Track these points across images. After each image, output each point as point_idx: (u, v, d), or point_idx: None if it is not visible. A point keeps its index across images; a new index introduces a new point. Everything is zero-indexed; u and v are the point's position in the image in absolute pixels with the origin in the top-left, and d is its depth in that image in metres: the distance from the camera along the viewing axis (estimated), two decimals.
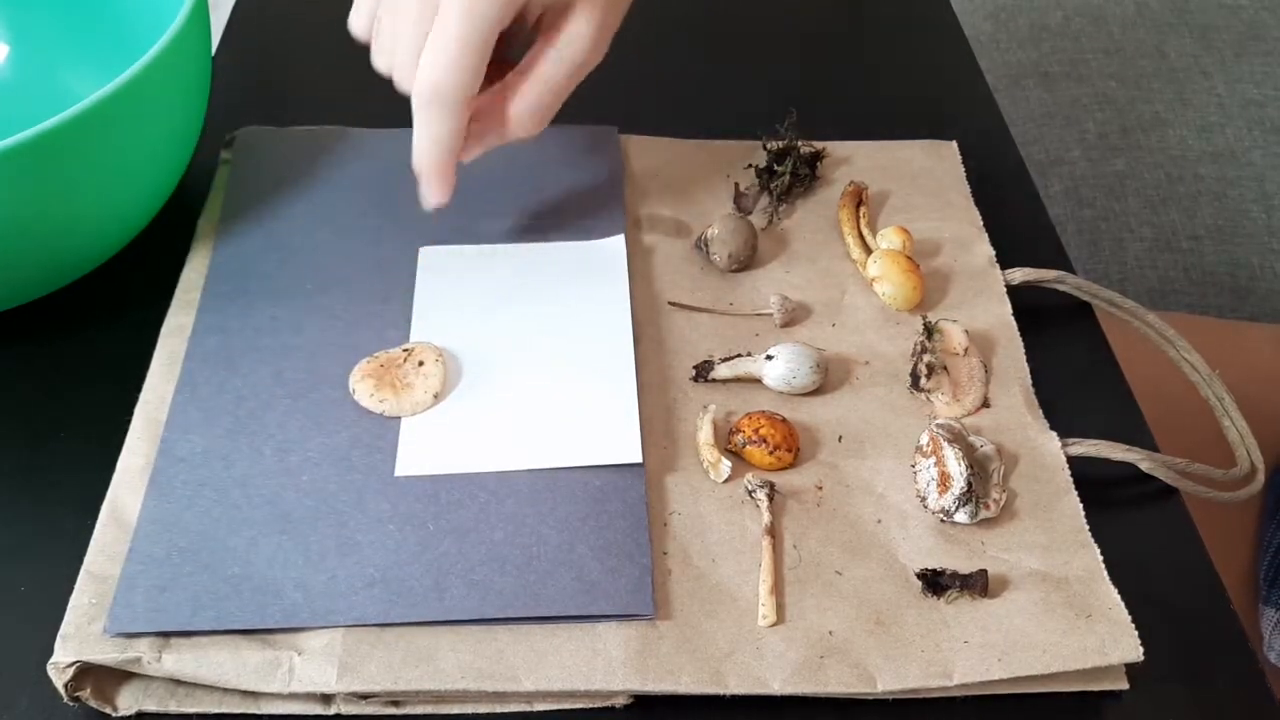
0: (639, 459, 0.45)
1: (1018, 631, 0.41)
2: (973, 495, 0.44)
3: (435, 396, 0.47)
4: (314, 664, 0.39)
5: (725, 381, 0.50)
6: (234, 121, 0.60)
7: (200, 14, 0.50)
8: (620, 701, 0.40)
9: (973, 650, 0.41)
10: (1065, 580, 0.43)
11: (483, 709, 0.40)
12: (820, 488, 0.46)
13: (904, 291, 0.53)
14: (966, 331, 0.51)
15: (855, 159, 0.61)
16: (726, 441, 0.47)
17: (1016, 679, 0.40)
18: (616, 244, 0.54)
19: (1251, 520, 0.72)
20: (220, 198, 0.56)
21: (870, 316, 0.53)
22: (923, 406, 0.49)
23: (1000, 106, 0.68)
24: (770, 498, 0.45)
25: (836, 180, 0.60)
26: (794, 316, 0.53)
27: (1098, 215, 1.04)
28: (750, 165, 0.59)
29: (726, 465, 0.46)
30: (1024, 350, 0.52)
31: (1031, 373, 0.51)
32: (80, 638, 0.39)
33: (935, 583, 0.42)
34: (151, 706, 0.39)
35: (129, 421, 0.46)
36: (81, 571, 0.41)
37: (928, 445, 0.46)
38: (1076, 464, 0.47)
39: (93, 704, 0.39)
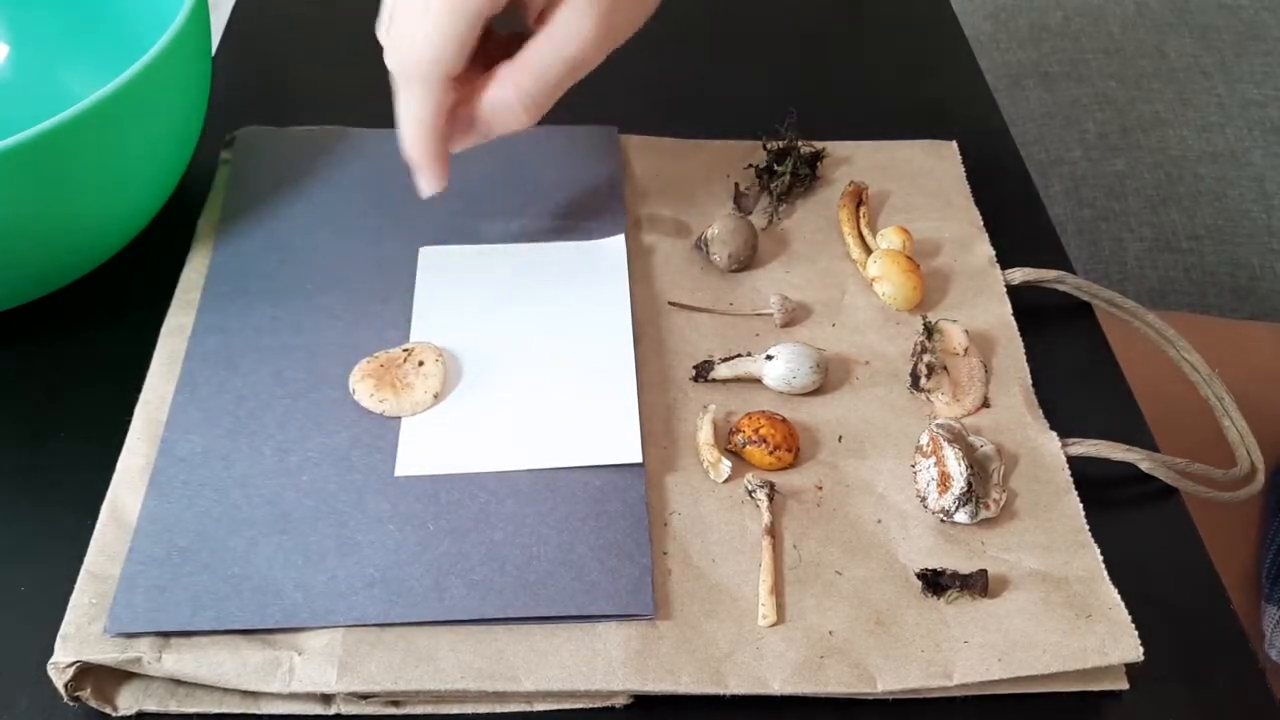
0: (639, 459, 0.45)
1: (1018, 631, 0.41)
2: (973, 495, 0.44)
3: (435, 396, 0.47)
4: (314, 664, 0.39)
5: (725, 381, 0.50)
6: (234, 121, 0.60)
7: (200, 14, 0.50)
8: (620, 701, 0.40)
9: (973, 650, 0.41)
10: (1065, 580, 0.43)
11: (483, 709, 0.40)
12: (820, 488, 0.46)
13: (904, 291, 0.53)
14: (966, 331, 0.51)
15: (855, 159, 0.61)
16: (726, 441, 0.47)
17: (1016, 679, 0.40)
18: (617, 244, 0.54)
19: (1252, 520, 0.72)
20: (220, 198, 0.56)
21: (870, 316, 0.53)
22: (923, 406, 0.49)
23: (1000, 106, 0.68)
24: (770, 498, 0.45)
25: (836, 180, 0.60)
26: (794, 316, 0.53)
27: (1098, 215, 1.04)
28: (750, 165, 0.59)
29: (726, 465, 0.46)
30: (1024, 350, 0.52)
31: (1031, 373, 0.51)
32: (80, 638, 0.39)
33: (935, 583, 0.42)
34: (151, 706, 0.39)
35: (129, 421, 0.46)
36: (81, 571, 0.41)
37: (928, 445, 0.46)
38: (1076, 464, 0.47)
39: (93, 704, 0.39)
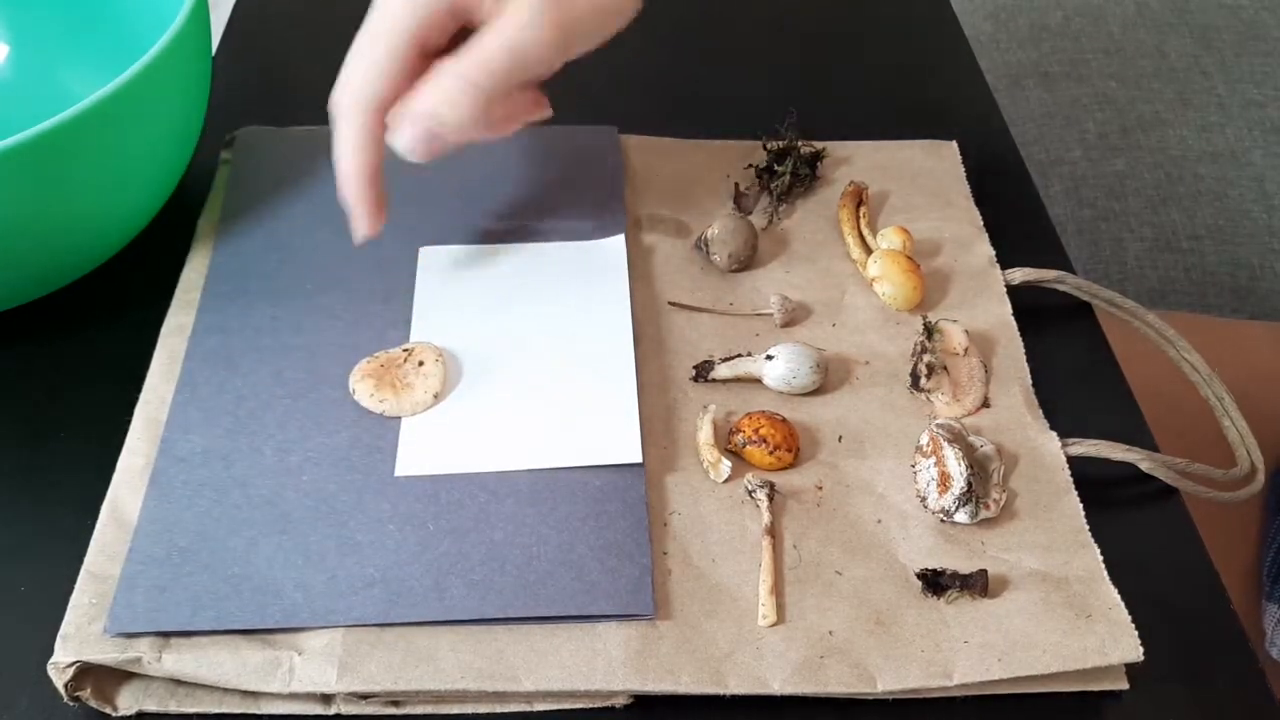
0: (639, 459, 0.45)
1: (1018, 631, 0.41)
2: (973, 495, 0.44)
3: (435, 396, 0.47)
4: (314, 664, 0.39)
5: (725, 381, 0.50)
6: (234, 121, 0.60)
7: (200, 14, 0.50)
8: (620, 701, 0.40)
9: (973, 650, 0.41)
10: (1065, 580, 0.43)
11: (483, 709, 0.40)
12: (820, 488, 0.46)
13: (904, 291, 0.53)
14: (966, 331, 0.51)
15: (855, 159, 0.61)
16: (726, 441, 0.47)
17: (1016, 679, 0.40)
18: (617, 244, 0.54)
19: (1252, 520, 0.72)
20: (220, 198, 0.56)
21: (870, 316, 0.53)
22: (923, 406, 0.49)
23: (1000, 106, 0.68)
24: (770, 498, 0.45)
25: (836, 180, 0.60)
26: (794, 316, 0.53)
27: (1098, 215, 1.04)
28: (750, 165, 0.59)
29: (726, 465, 0.46)
30: (1024, 350, 0.52)
31: (1031, 373, 0.51)
32: (80, 638, 0.39)
33: (935, 583, 0.42)
34: (151, 706, 0.39)
35: (129, 421, 0.46)
36: (81, 571, 0.41)
37: (928, 445, 0.46)
38: (1076, 464, 0.47)
39: (93, 704, 0.39)
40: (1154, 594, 0.44)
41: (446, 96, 0.43)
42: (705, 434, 0.47)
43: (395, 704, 0.40)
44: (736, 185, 0.58)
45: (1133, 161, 1.06)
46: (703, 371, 0.49)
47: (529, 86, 0.47)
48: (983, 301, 0.54)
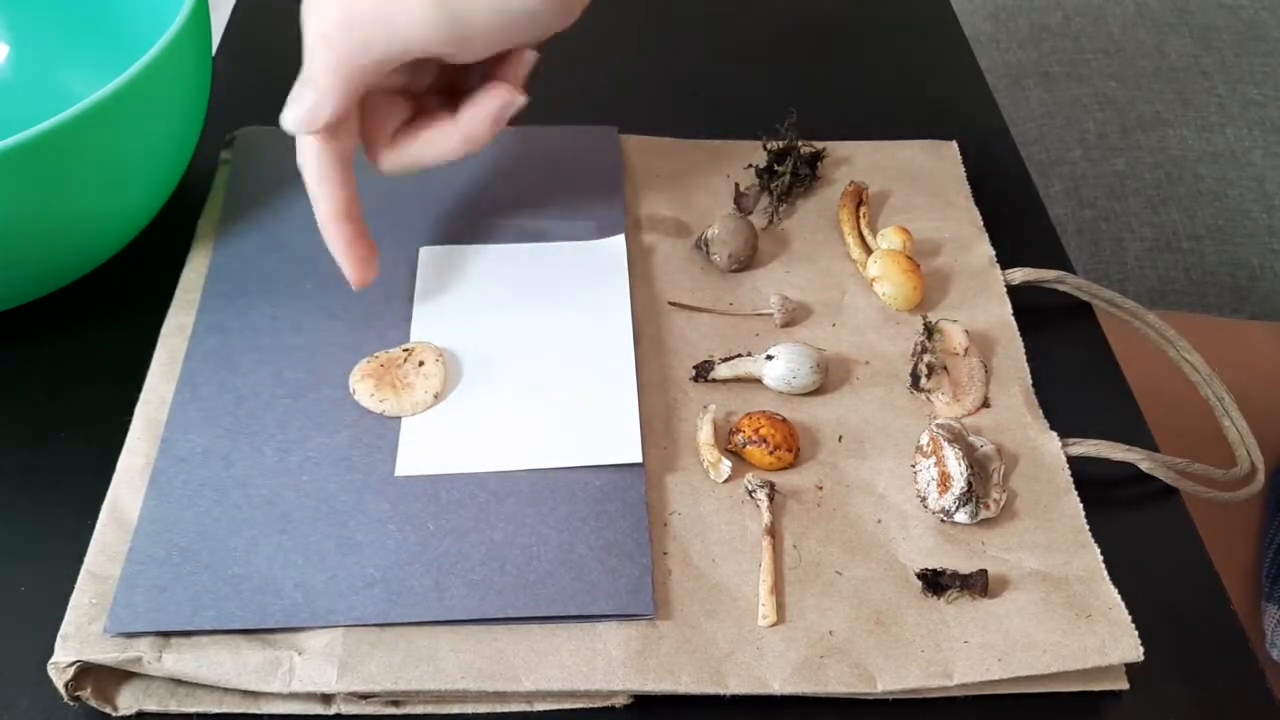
0: (639, 459, 0.45)
1: (1018, 631, 0.41)
2: (973, 495, 0.44)
3: (435, 396, 0.47)
4: (314, 664, 0.39)
5: (725, 381, 0.50)
6: (234, 121, 0.60)
7: (200, 14, 0.50)
8: (620, 701, 0.40)
9: (973, 650, 0.41)
10: (1065, 580, 0.43)
11: (483, 709, 0.40)
12: (820, 488, 0.46)
13: (904, 291, 0.53)
14: (966, 331, 0.51)
15: (855, 159, 0.61)
16: (727, 441, 0.47)
17: (1016, 679, 0.40)
18: (617, 244, 0.54)
19: (1252, 520, 0.72)
20: (220, 198, 0.56)
21: (870, 316, 0.53)
22: (923, 406, 0.49)
23: (1000, 106, 0.68)
24: (770, 498, 0.45)
25: (836, 180, 0.60)
26: (794, 316, 0.53)
27: (1098, 215, 1.04)
28: (750, 165, 0.59)
29: (726, 465, 0.46)
30: (1024, 350, 0.52)
31: (1031, 373, 0.51)
32: (80, 637, 0.39)
33: (935, 583, 0.42)
34: (152, 706, 0.39)
35: (129, 421, 0.46)
36: (82, 571, 0.41)
37: (928, 445, 0.46)
38: (1076, 464, 0.47)
39: (93, 704, 0.39)
40: (1154, 594, 0.44)
41: (306, 80, 0.44)
42: (705, 434, 0.47)
43: (395, 704, 0.40)
44: (736, 185, 0.58)
45: (1133, 161, 1.06)
46: (703, 371, 0.49)
47: (495, 78, 0.47)
48: (983, 301, 0.54)
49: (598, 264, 0.53)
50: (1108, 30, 1.18)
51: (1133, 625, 0.41)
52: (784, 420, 0.47)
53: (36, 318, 0.52)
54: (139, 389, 0.48)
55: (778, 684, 0.40)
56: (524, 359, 0.49)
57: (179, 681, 0.40)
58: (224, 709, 0.40)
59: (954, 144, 0.62)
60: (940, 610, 0.42)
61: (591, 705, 0.40)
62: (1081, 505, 0.46)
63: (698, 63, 0.70)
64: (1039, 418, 0.49)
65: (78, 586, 0.41)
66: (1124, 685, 0.41)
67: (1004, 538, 0.44)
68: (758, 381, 0.49)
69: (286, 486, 0.44)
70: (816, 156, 0.59)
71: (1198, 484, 0.48)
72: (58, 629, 0.39)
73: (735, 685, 0.40)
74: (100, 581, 0.41)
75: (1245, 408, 0.52)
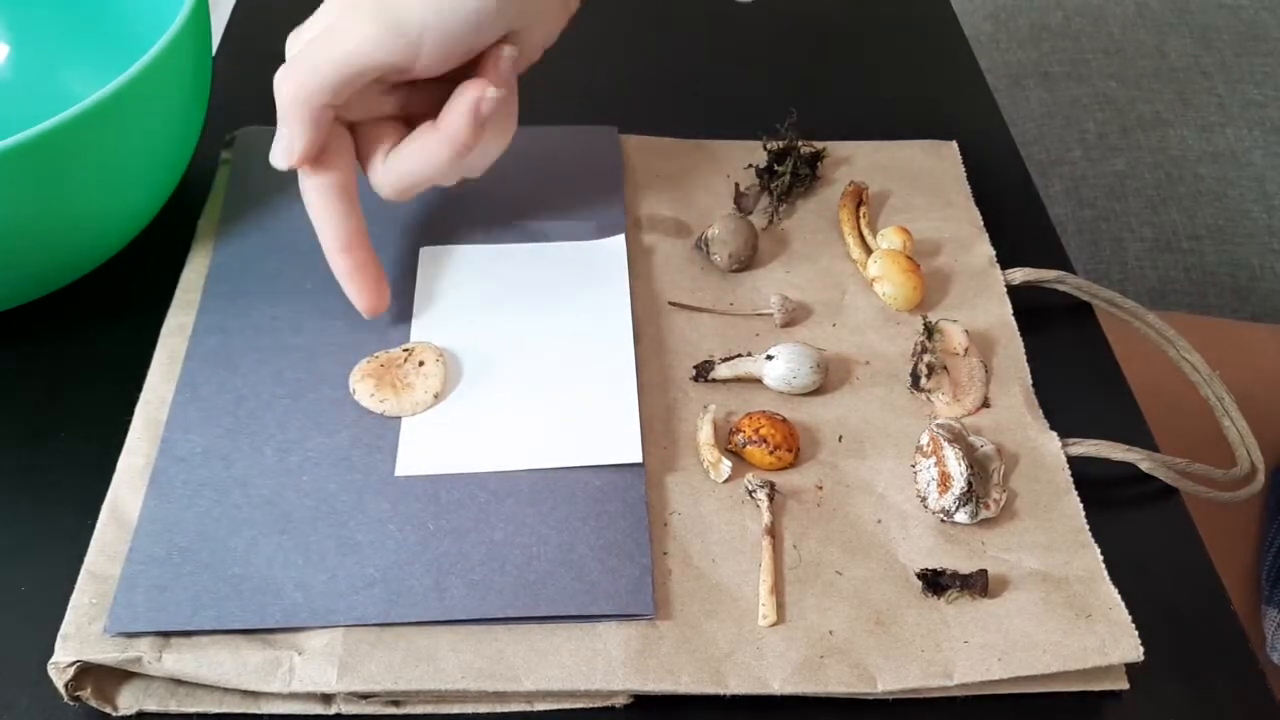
0: (639, 459, 0.45)
1: (1018, 631, 0.41)
2: (973, 495, 0.44)
3: (435, 396, 0.47)
4: (314, 664, 0.39)
5: (725, 381, 0.50)
6: (234, 121, 0.60)
7: (200, 14, 0.50)
8: (620, 701, 0.40)
9: (973, 650, 0.41)
10: (1065, 580, 0.43)
11: (483, 709, 0.40)
12: (820, 488, 0.46)
13: (904, 291, 0.53)
14: (967, 331, 0.51)
15: (855, 159, 0.61)
16: (727, 441, 0.47)
17: (1016, 679, 0.40)
18: (617, 244, 0.54)
19: (1252, 520, 0.72)
20: (220, 198, 0.56)
21: (870, 316, 0.53)
22: (923, 406, 0.49)
23: (1000, 106, 0.68)
24: (770, 498, 0.45)
25: (836, 180, 0.60)
26: (794, 316, 0.53)
27: (1098, 215, 1.04)
28: (750, 165, 0.59)
29: (727, 465, 0.46)
30: (1024, 350, 0.52)
31: (1031, 373, 0.51)
32: (81, 637, 0.39)
33: (935, 583, 0.42)
34: (152, 706, 0.39)
35: (129, 421, 0.46)
36: (82, 571, 0.41)
37: (928, 445, 0.46)
38: (1076, 464, 0.47)
39: (93, 704, 0.39)
40: (1154, 594, 0.44)
41: (280, 115, 0.45)
42: (705, 434, 0.47)
43: (395, 704, 0.40)
44: (736, 185, 0.58)
45: (1133, 161, 1.06)
46: (703, 371, 0.49)
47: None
48: (983, 301, 0.54)
49: (598, 264, 0.53)
50: (1108, 30, 1.18)
51: (1133, 625, 0.41)
52: (784, 420, 0.47)
53: (36, 318, 0.52)
54: (139, 389, 0.48)
55: (778, 684, 0.40)
56: (524, 359, 0.49)
57: (179, 681, 0.40)
58: (224, 709, 0.40)
59: (954, 144, 0.62)
60: (940, 610, 0.42)
61: (591, 705, 0.40)
62: (1081, 505, 0.46)
63: (698, 63, 0.70)
64: (1039, 418, 0.49)
65: (78, 586, 0.41)
66: (1124, 685, 0.41)
67: (1004, 538, 0.44)
68: (758, 381, 0.49)
69: (286, 486, 0.44)
70: (816, 156, 0.59)
71: (1198, 484, 0.48)
72: (58, 629, 0.39)
73: (735, 685, 0.40)
74: (100, 581, 0.41)
75: (1245, 408, 0.52)
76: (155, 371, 0.48)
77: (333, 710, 0.40)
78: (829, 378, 0.50)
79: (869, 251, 0.55)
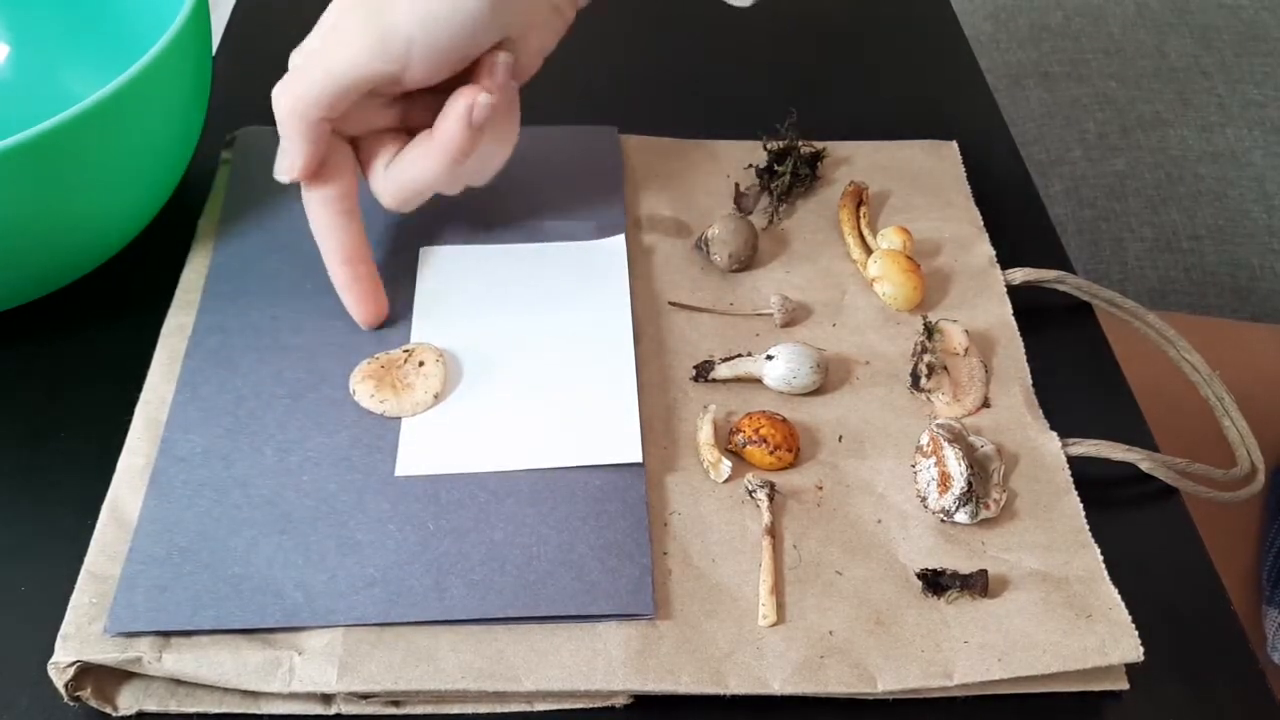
0: (639, 459, 0.45)
1: (1018, 631, 0.41)
2: (973, 495, 0.44)
3: (436, 397, 0.47)
4: (314, 664, 0.39)
5: (725, 381, 0.50)
6: (234, 121, 0.60)
7: (200, 14, 0.50)
8: (620, 701, 0.40)
9: (973, 650, 0.41)
10: (1065, 580, 0.43)
11: (483, 709, 0.40)
12: (820, 488, 0.46)
13: (904, 291, 0.52)
14: (967, 331, 0.51)
15: (855, 159, 0.61)
16: (727, 441, 0.47)
17: (1017, 679, 0.40)
18: (617, 244, 0.54)
19: (1253, 520, 0.72)
20: (220, 198, 0.56)
21: (870, 316, 0.53)
22: (923, 406, 0.49)
23: (1000, 106, 0.68)
24: (770, 498, 0.45)
25: (837, 180, 0.60)
26: (794, 316, 0.53)
27: (1098, 215, 1.04)
28: (750, 165, 0.59)
29: (727, 465, 0.46)
30: (1024, 350, 0.52)
31: (1031, 373, 0.51)
32: (81, 637, 0.39)
33: (935, 583, 0.42)
34: (152, 706, 0.39)
35: (129, 421, 0.46)
36: (82, 571, 0.41)
37: (928, 445, 0.46)
38: (1076, 464, 0.47)
39: (93, 704, 0.39)
40: (1154, 594, 0.44)
41: (280, 130, 0.46)
42: (705, 434, 0.47)
43: (395, 704, 0.40)
44: (736, 185, 0.58)
45: (1133, 161, 1.06)
46: (703, 371, 0.49)
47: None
48: (983, 301, 0.54)
49: (598, 264, 0.53)
50: (1108, 30, 1.18)
51: (1133, 625, 0.41)
52: (784, 420, 0.47)
53: (36, 318, 0.52)
54: (139, 389, 0.48)
55: (778, 684, 0.40)
56: (524, 359, 0.49)
57: (179, 681, 0.40)
58: (224, 709, 0.40)
59: (954, 144, 0.62)
60: (940, 610, 0.42)
61: (591, 705, 0.40)
62: (1081, 505, 0.46)
63: (698, 63, 0.70)
64: (1039, 418, 0.49)
65: (78, 586, 0.41)
66: (1124, 685, 0.41)
67: (1004, 538, 0.44)
68: (758, 381, 0.49)
69: (286, 486, 0.44)
70: (816, 156, 0.59)
71: (1198, 484, 0.48)
72: (58, 629, 0.39)
73: (735, 685, 0.40)
74: (100, 581, 0.41)
75: (1245, 408, 0.52)
76: (155, 371, 0.48)
77: (333, 710, 0.40)
78: (829, 378, 0.50)
79: (869, 251, 0.55)
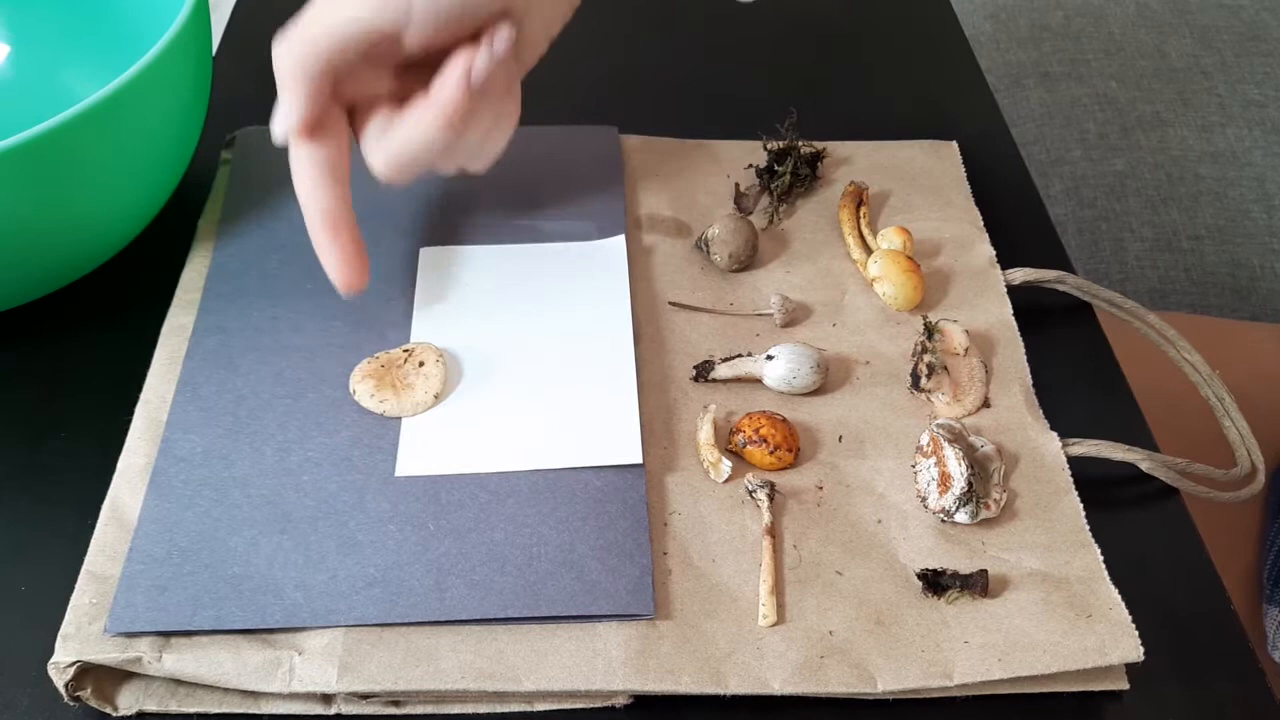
0: (639, 459, 0.45)
1: (1018, 631, 0.41)
2: (973, 495, 0.44)
3: (436, 397, 0.47)
4: (314, 664, 0.39)
5: (726, 381, 0.50)
6: (234, 121, 0.60)
7: (200, 14, 0.50)
8: (620, 701, 0.40)
9: (973, 650, 0.41)
10: (1065, 580, 0.43)
11: (483, 709, 0.40)
12: (820, 488, 0.46)
13: (904, 291, 0.53)
14: (967, 331, 0.51)
15: (855, 159, 0.61)
16: (727, 441, 0.47)
17: (1017, 679, 0.40)
18: (617, 244, 0.54)
19: (1253, 520, 0.72)
20: (220, 198, 0.56)
21: (871, 316, 0.53)
22: (923, 406, 0.49)
23: (1000, 106, 0.68)
24: (770, 498, 0.45)
25: (837, 180, 0.60)
26: (794, 316, 0.53)
27: (1098, 215, 1.04)
28: (750, 165, 0.59)
29: (727, 465, 0.46)
30: (1024, 350, 0.52)
31: (1031, 373, 0.51)
32: (81, 637, 0.39)
33: (935, 583, 0.42)
34: (152, 706, 0.39)
35: (129, 421, 0.46)
36: (82, 571, 0.41)
37: (928, 445, 0.46)
38: (1076, 464, 0.47)
39: (93, 704, 0.39)
40: (1154, 594, 0.44)
41: (279, 85, 0.45)
42: (705, 434, 0.47)
43: (395, 704, 0.40)
44: (736, 185, 0.58)
45: (1133, 161, 1.06)
46: (703, 371, 0.49)
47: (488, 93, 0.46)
48: (983, 301, 0.54)
49: (598, 264, 0.53)
50: (1108, 30, 1.18)
51: (1133, 625, 0.41)
52: (784, 420, 0.47)
53: (36, 318, 0.52)
54: (139, 389, 0.48)
55: (778, 684, 0.40)
56: (524, 359, 0.49)
57: (179, 681, 0.40)
58: (224, 709, 0.40)
59: (954, 144, 0.62)
60: (940, 610, 0.42)
61: (591, 705, 0.40)
62: (1081, 505, 0.46)
63: (698, 63, 0.70)
64: (1039, 418, 0.49)
65: (78, 586, 0.41)
66: (1124, 685, 0.41)
67: (1004, 538, 0.44)
68: (758, 381, 0.49)
69: (287, 486, 0.44)
70: (816, 156, 0.59)
71: (1198, 484, 0.48)
72: (58, 629, 0.39)
73: (735, 685, 0.40)
74: (100, 581, 0.41)
75: (1245, 408, 0.51)
76: (155, 371, 0.48)
77: (333, 710, 0.40)
78: (829, 378, 0.50)
79: (869, 251, 0.55)
